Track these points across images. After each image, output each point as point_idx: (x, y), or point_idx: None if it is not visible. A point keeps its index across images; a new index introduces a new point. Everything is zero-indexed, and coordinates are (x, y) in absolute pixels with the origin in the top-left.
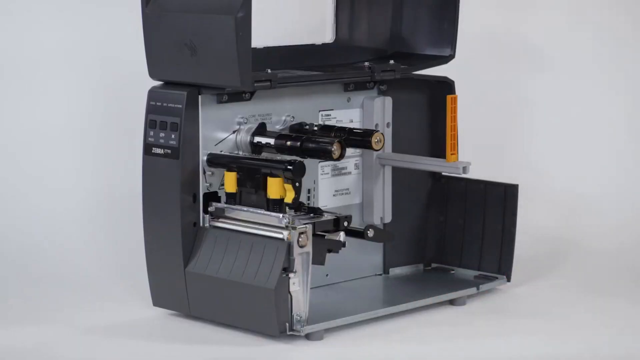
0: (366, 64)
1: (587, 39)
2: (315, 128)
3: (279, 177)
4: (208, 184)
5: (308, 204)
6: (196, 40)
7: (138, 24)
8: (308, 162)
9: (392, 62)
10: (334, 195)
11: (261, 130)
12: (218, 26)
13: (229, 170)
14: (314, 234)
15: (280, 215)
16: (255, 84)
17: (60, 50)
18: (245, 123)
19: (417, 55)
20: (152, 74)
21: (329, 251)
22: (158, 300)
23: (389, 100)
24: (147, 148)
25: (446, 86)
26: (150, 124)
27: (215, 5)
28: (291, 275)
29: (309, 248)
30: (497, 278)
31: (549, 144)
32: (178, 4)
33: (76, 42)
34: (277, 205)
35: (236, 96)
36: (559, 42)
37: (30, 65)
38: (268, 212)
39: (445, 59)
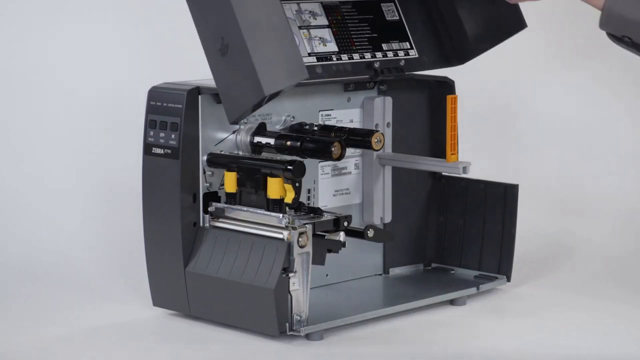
0: None
1: (588, 37)
2: (315, 128)
3: (279, 177)
4: (208, 184)
5: (308, 204)
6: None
7: (137, 24)
8: (308, 162)
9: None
10: (334, 195)
11: (261, 130)
12: None
13: (229, 170)
14: (314, 234)
15: (280, 215)
16: None
17: (60, 51)
18: (245, 123)
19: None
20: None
21: (329, 251)
22: (158, 300)
23: (389, 100)
24: (147, 148)
25: (446, 86)
26: (150, 124)
27: None
28: (291, 275)
29: (309, 248)
30: (497, 278)
31: (549, 144)
32: None
33: (76, 43)
34: (277, 205)
35: None
36: (559, 41)
37: (30, 65)
38: (268, 212)
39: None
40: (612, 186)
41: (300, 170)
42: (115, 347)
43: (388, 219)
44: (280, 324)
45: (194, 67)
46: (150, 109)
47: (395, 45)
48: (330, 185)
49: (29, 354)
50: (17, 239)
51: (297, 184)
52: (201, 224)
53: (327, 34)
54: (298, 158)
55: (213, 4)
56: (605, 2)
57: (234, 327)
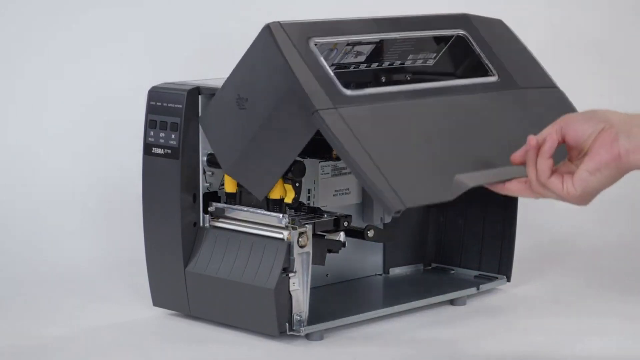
0: None
1: (588, 34)
2: None
3: None
4: (208, 184)
5: (308, 204)
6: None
7: (137, 24)
8: (308, 162)
9: None
10: (334, 195)
11: None
12: None
13: None
14: (314, 234)
15: (280, 215)
16: None
17: (60, 51)
18: None
19: None
20: None
21: (329, 251)
22: (158, 300)
23: None
24: (147, 148)
25: None
26: (150, 124)
27: None
28: (291, 275)
29: (309, 248)
30: (497, 278)
31: None
32: None
33: (76, 43)
34: (277, 205)
35: None
36: (558, 39)
37: (30, 65)
38: (268, 212)
39: None
40: (614, 186)
41: (300, 170)
42: (115, 347)
43: (388, 219)
44: (280, 324)
45: (194, 67)
46: (150, 109)
47: (421, 55)
48: (330, 185)
49: (29, 354)
50: (17, 239)
51: (297, 184)
52: (201, 224)
53: None
54: (298, 158)
55: (266, 73)
56: None
57: (234, 327)
